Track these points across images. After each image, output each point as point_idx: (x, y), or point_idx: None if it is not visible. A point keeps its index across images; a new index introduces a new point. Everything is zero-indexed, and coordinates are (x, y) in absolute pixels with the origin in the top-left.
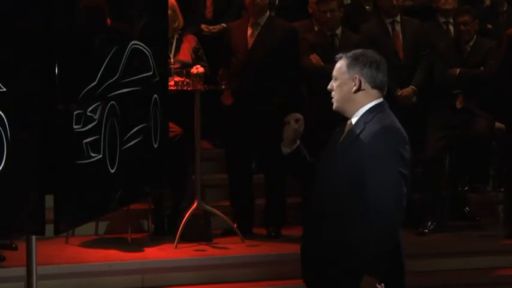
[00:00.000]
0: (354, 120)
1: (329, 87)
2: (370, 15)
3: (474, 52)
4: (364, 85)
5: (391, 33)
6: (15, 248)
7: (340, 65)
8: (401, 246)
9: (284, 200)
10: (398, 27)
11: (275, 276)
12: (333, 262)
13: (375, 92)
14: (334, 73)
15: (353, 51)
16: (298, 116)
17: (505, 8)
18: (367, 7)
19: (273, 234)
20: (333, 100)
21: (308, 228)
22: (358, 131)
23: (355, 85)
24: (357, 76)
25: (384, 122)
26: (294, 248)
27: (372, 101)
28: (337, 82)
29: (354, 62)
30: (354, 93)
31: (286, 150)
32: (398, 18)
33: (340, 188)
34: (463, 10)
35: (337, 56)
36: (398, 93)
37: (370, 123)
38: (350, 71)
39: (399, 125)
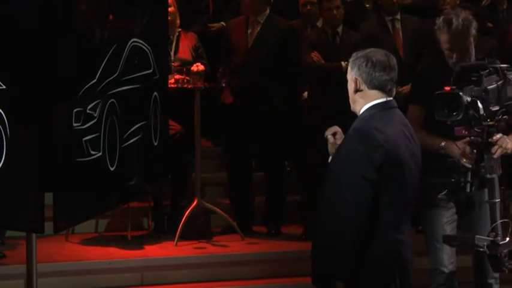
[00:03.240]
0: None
1: None
2: (370, 13)
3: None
4: (362, 86)
5: (391, 31)
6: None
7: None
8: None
9: (284, 198)
10: (398, 25)
11: (275, 273)
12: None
13: (373, 92)
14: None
15: (358, 51)
16: (336, 128)
17: (504, 7)
18: (367, 5)
19: (272, 232)
20: None
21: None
22: (347, 134)
23: (355, 86)
24: (355, 77)
25: (358, 124)
26: (294, 246)
27: (370, 102)
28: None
29: (353, 63)
30: (354, 94)
31: None
32: (398, 16)
33: (324, 191)
34: (463, 8)
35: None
36: (399, 90)
37: (354, 125)
38: (351, 71)
39: (382, 127)
